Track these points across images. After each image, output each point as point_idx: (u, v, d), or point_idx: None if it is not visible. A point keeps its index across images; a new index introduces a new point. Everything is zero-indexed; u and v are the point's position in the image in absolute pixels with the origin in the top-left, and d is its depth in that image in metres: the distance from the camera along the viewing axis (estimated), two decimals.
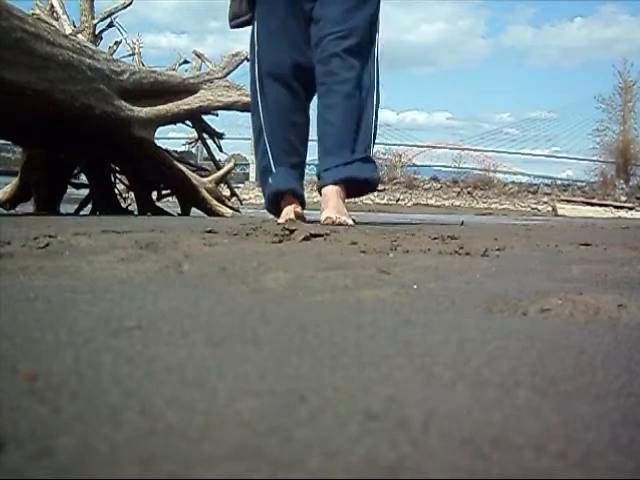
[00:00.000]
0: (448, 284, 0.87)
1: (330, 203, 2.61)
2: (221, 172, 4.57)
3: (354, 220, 2.67)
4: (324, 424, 0.31)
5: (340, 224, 2.38)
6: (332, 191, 2.64)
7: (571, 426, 0.33)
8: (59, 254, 1.07)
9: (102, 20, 5.78)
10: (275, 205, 2.86)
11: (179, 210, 4.39)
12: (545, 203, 18.91)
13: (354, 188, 2.77)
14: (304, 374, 0.40)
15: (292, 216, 2.59)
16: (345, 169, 2.67)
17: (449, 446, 0.29)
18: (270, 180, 2.86)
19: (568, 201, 14.96)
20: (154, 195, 4.48)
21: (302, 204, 2.83)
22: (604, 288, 0.88)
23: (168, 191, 4.56)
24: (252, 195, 18.32)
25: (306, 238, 1.52)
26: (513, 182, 25.04)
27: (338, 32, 2.78)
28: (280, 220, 2.60)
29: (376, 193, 20.77)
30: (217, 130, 4.91)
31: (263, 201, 3.14)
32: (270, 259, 1.08)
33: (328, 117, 2.78)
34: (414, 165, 32.61)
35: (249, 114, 3.07)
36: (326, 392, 0.36)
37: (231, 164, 4.87)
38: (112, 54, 4.58)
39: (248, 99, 4.37)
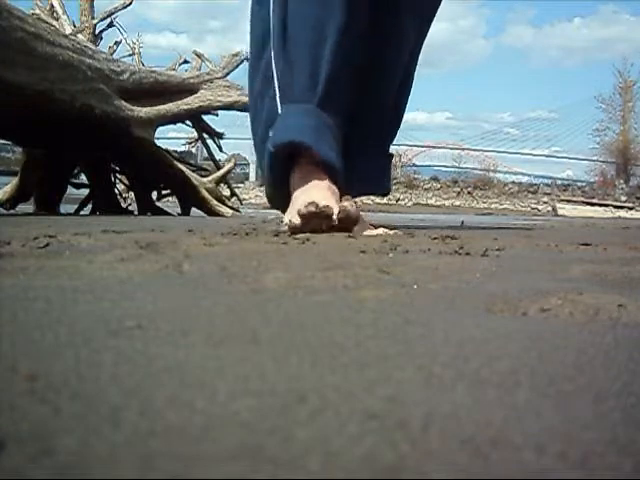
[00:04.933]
0: (448, 284, 0.87)
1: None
2: (221, 172, 4.58)
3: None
4: (324, 424, 0.31)
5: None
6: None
7: (571, 426, 0.33)
8: (59, 254, 1.07)
9: (102, 20, 5.78)
10: (280, 180, 1.56)
11: (179, 210, 4.39)
12: (545, 203, 18.92)
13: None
14: (304, 374, 0.40)
15: (313, 208, 1.36)
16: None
17: (449, 446, 0.29)
18: (271, 132, 1.57)
19: (568, 201, 14.98)
20: (154, 195, 4.49)
21: (336, 182, 1.55)
22: (604, 288, 0.88)
23: (168, 191, 4.56)
24: (252, 195, 18.35)
25: (306, 238, 1.52)
26: (513, 182, 25.08)
27: None
28: (287, 218, 1.44)
29: None
30: (217, 130, 4.92)
31: (264, 194, 1.90)
32: (270, 259, 1.08)
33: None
34: (414, 165, 32.70)
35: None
36: (326, 392, 0.36)
37: (231, 164, 4.87)
38: (112, 54, 4.59)
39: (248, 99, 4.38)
